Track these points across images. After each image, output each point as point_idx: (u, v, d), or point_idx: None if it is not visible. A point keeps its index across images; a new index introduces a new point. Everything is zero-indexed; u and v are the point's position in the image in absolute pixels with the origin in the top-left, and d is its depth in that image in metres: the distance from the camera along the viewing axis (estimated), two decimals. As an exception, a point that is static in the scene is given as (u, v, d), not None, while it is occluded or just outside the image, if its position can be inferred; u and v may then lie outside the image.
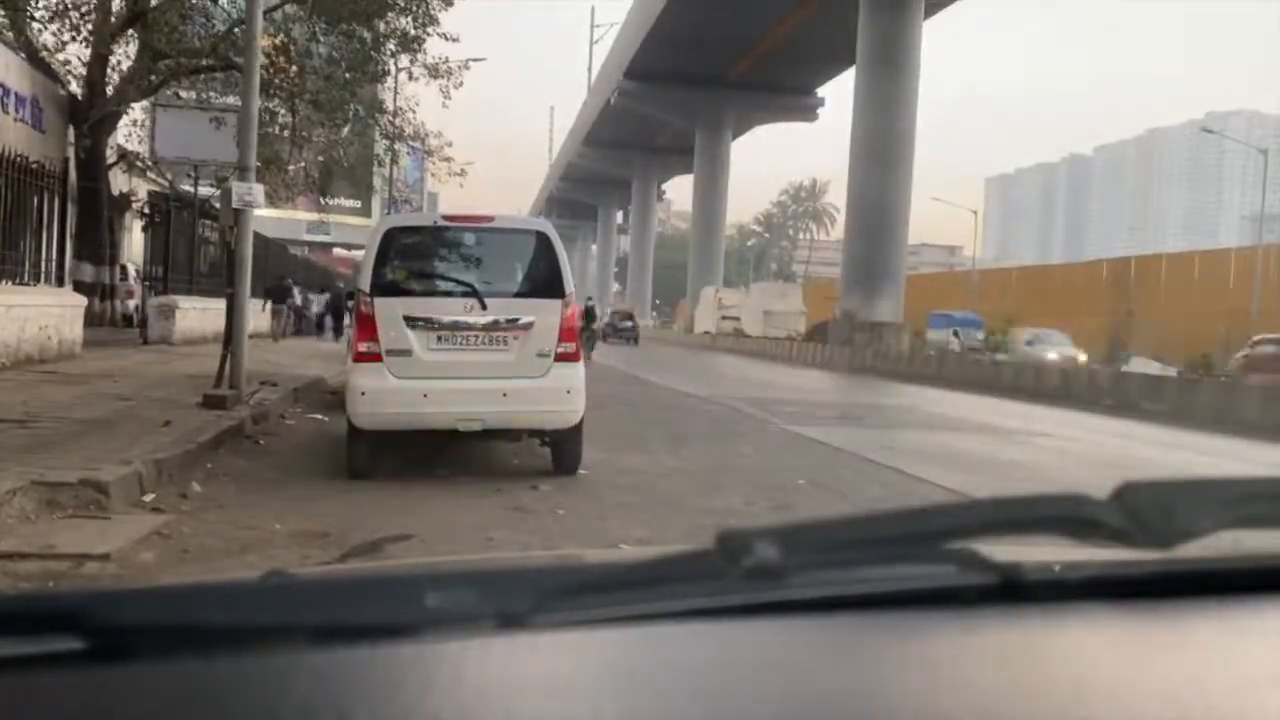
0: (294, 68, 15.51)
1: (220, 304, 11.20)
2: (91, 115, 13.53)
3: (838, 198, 71.93)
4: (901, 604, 0.76)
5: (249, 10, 9.98)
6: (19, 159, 11.81)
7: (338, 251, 45.29)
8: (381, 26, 15.04)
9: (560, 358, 6.78)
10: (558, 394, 6.77)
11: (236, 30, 13.62)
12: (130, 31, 13.97)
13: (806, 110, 51.33)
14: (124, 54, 14.48)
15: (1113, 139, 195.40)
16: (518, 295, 6.89)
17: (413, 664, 0.64)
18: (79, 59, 14.31)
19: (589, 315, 27.85)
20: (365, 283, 6.73)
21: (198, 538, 4.86)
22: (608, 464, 7.53)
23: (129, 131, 17.02)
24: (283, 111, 15.72)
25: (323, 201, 22.08)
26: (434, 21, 15.06)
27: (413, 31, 15.13)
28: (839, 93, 44.92)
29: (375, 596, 0.75)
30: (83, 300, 13.27)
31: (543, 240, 7.05)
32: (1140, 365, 23.00)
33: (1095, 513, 0.75)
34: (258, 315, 22.42)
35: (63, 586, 3.94)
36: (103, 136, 14.03)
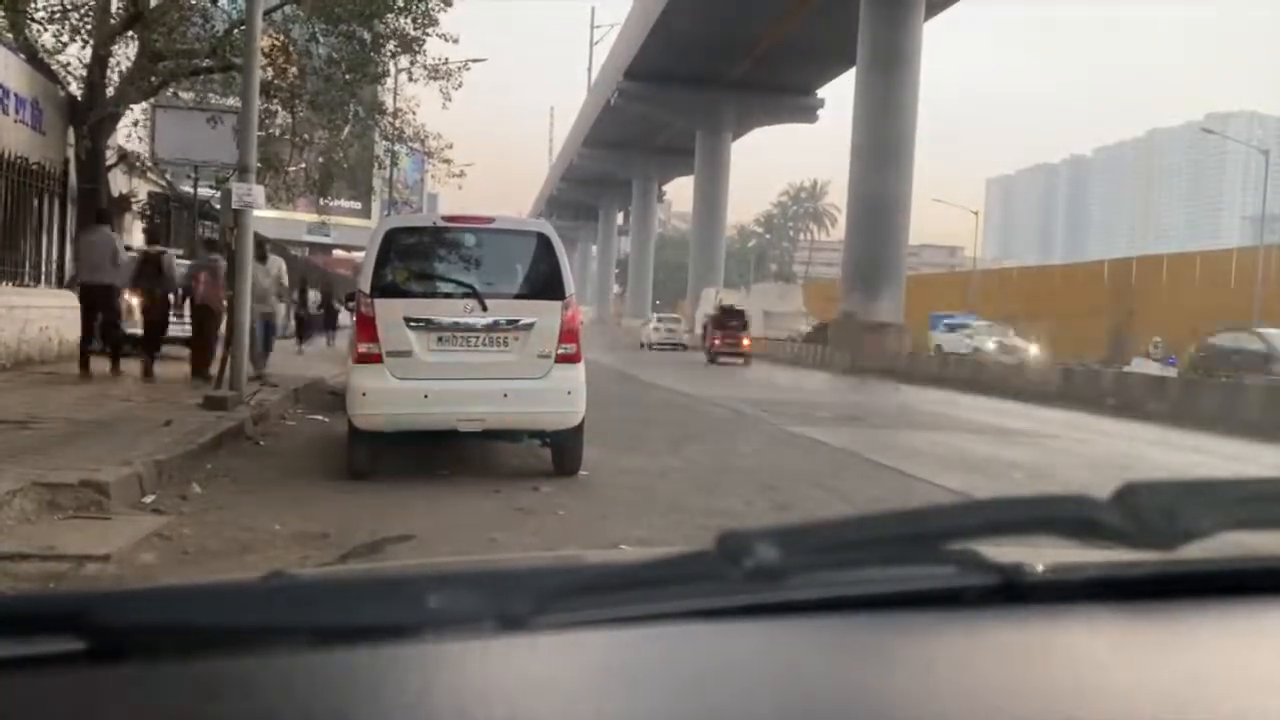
0: (293, 69, 15.50)
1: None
2: (91, 116, 13.51)
3: (838, 198, 72.03)
4: (902, 604, 0.76)
5: (249, 11, 9.98)
6: (19, 160, 11.82)
7: (338, 253, 45.26)
8: (381, 27, 15.03)
9: (561, 359, 6.79)
10: (558, 395, 6.77)
11: (236, 31, 13.61)
12: (130, 32, 13.95)
13: (806, 111, 51.29)
14: (124, 55, 14.46)
15: (1113, 139, 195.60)
16: (518, 296, 6.90)
17: (413, 665, 0.64)
18: (79, 60, 14.31)
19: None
20: (366, 284, 6.74)
21: (198, 539, 4.86)
22: (608, 464, 7.53)
23: (129, 132, 16.99)
24: (282, 113, 15.71)
25: (322, 203, 22.03)
26: (434, 22, 15.04)
27: (412, 32, 15.11)
28: (839, 93, 44.85)
29: (375, 597, 0.75)
30: (83, 301, 13.26)
31: (543, 241, 7.05)
32: (1141, 365, 22.98)
33: (1096, 513, 0.75)
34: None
35: (63, 587, 3.94)
36: (102, 137, 14.01)
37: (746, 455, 8.88)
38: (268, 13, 12.29)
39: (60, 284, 13.05)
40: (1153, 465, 10.07)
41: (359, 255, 22.62)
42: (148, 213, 17.04)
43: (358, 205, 37.24)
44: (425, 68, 15.93)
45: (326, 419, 9.50)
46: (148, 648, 0.65)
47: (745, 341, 30.33)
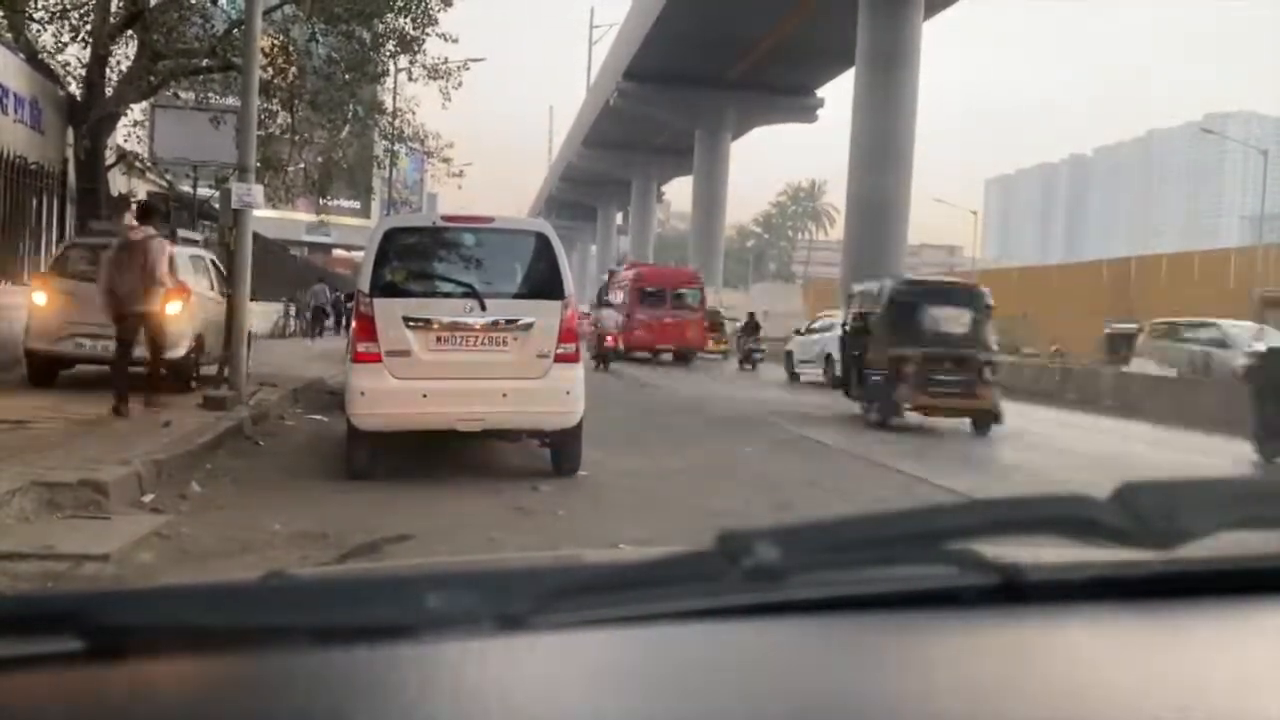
0: (293, 68, 15.49)
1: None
2: (90, 116, 13.50)
3: (837, 198, 71.96)
4: (902, 604, 0.76)
5: (248, 11, 9.98)
6: (18, 160, 11.81)
7: (337, 252, 45.26)
8: (380, 27, 15.03)
9: (560, 359, 6.79)
10: (557, 395, 6.77)
11: (236, 31, 13.61)
12: (129, 32, 13.95)
13: (806, 111, 51.29)
14: (123, 55, 14.47)
15: (1113, 139, 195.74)
16: (517, 296, 6.90)
17: (412, 665, 0.64)
18: (78, 60, 14.30)
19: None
20: (365, 283, 6.74)
21: (197, 538, 4.86)
22: (607, 464, 7.53)
23: (128, 132, 16.99)
24: (282, 112, 15.71)
25: (322, 202, 22.05)
26: (433, 22, 15.04)
27: (412, 32, 15.12)
28: (839, 93, 44.78)
29: (375, 597, 0.75)
30: (82, 301, 13.24)
31: (542, 241, 7.05)
32: (1140, 365, 22.92)
33: (1096, 513, 0.75)
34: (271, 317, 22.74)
35: (62, 587, 3.94)
36: (102, 137, 14.00)
37: (746, 455, 8.88)
38: (267, 12, 12.29)
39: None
40: (1151, 464, 10.05)
41: (358, 255, 22.66)
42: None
43: (357, 205, 37.24)
44: (425, 67, 15.95)
45: (325, 419, 9.50)
46: (147, 647, 0.65)
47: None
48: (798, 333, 23.13)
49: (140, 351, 8.46)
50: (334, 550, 4.71)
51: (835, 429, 11.40)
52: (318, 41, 15.35)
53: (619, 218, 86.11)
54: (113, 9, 13.73)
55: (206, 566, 4.41)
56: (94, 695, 0.62)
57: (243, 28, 11.14)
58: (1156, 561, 0.79)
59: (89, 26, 13.73)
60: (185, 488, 5.94)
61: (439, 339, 6.65)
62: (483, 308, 6.68)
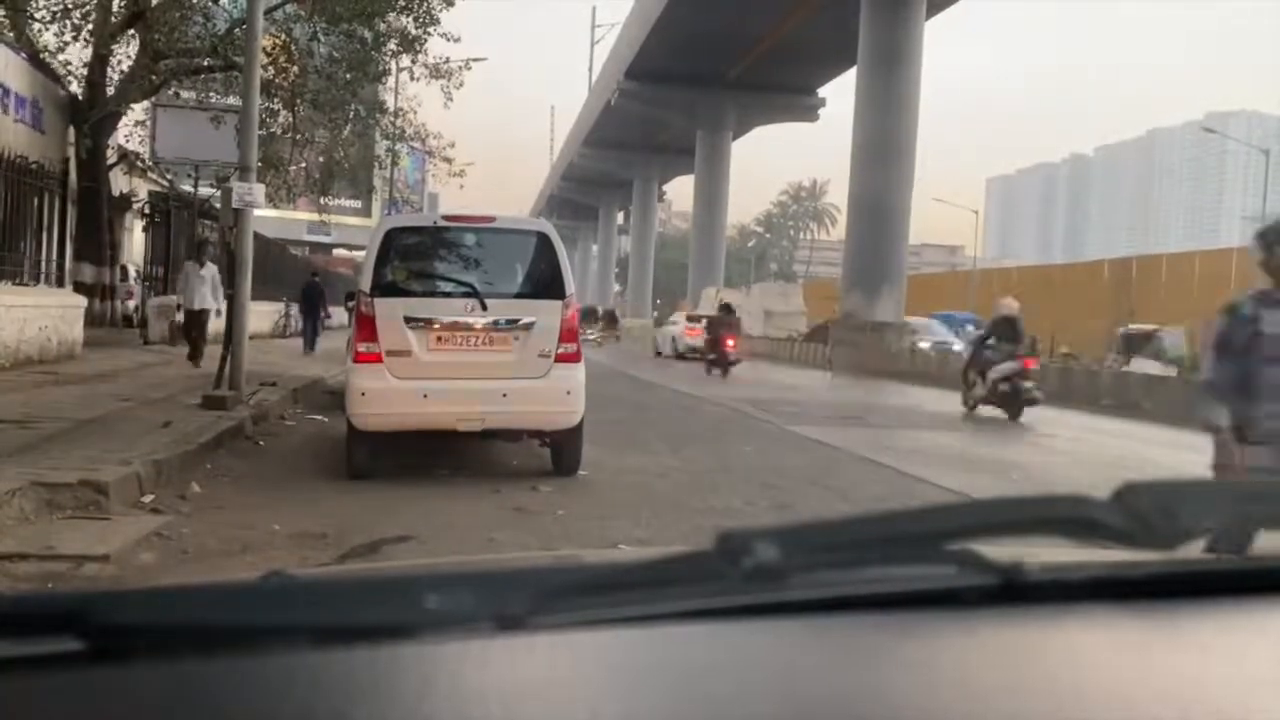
0: (295, 68, 15.51)
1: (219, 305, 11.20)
2: (92, 116, 13.52)
3: (838, 198, 72.10)
4: (902, 604, 0.76)
5: (249, 10, 9.98)
6: (19, 159, 11.81)
7: (338, 252, 45.26)
8: (382, 26, 15.05)
9: (560, 358, 6.79)
10: (558, 395, 6.77)
11: (237, 30, 13.62)
12: (130, 31, 13.97)
13: (807, 110, 51.24)
14: (124, 54, 14.49)
15: (1113, 139, 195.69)
16: (518, 296, 6.90)
17: (412, 665, 0.64)
18: (79, 59, 14.32)
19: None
20: (366, 283, 6.74)
21: (197, 538, 4.86)
22: (607, 464, 7.53)
23: (129, 132, 17.03)
24: (283, 111, 15.73)
25: (323, 202, 22.06)
26: (435, 21, 15.08)
27: (414, 31, 15.15)
28: (840, 92, 44.77)
29: (374, 597, 0.75)
30: (83, 301, 13.26)
31: (543, 241, 7.05)
32: (1140, 365, 22.89)
33: (1096, 513, 0.75)
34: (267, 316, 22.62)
35: (62, 587, 3.94)
36: (103, 137, 14.02)
37: (746, 455, 8.88)
38: (269, 11, 12.29)
39: (60, 283, 13.04)
40: (1151, 465, 10.06)
41: (359, 254, 22.67)
42: (147, 211, 17.05)
43: (358, 204, 37.24)
44: (426, 67, 15.98)
45: (325, 419, 9.50)
46: (147, 648, 0.65)
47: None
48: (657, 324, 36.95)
49: None
50: (334, 550, 4.71)
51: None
52: (319, 41, 15.36)
53: (620, 217, 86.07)
54: (114, 8, 13.75)
55: (206, 566, 4.42)
56: (94, 695, 0.62)
57: (244, 27, 11.14)
58: (1156, 561, 0.79)
59: (90, 26, 13.74)
60: (185, 488, 5.95)
61: (439, 339, 6.66)
62: (483, 307, 6.68)
